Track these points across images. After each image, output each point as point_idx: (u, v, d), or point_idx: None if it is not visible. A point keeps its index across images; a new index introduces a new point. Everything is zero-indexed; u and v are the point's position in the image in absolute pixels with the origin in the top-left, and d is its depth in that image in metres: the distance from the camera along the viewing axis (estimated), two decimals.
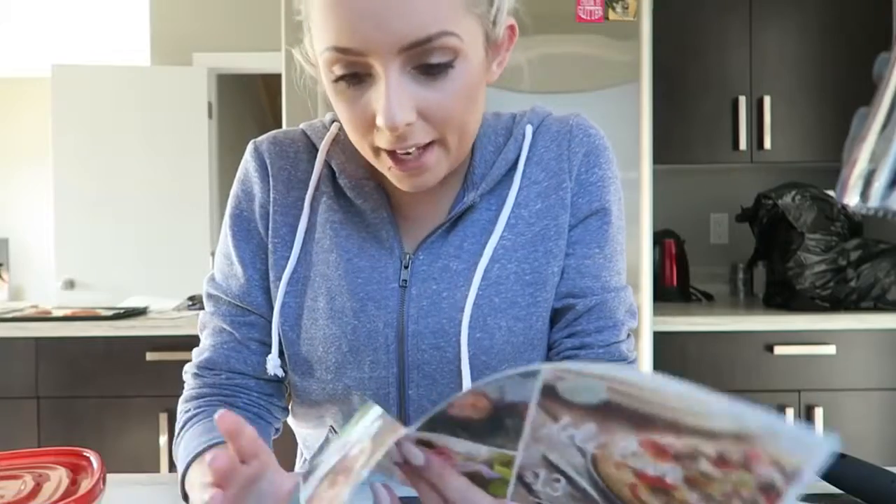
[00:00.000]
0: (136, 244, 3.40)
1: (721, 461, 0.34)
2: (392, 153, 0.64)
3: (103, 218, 3.41)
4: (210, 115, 3.49)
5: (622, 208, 0.79)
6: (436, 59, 0.60)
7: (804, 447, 0.31)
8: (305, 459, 0.89)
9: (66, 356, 2.17)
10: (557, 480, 0.42)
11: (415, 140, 0.62)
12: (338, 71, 0.61)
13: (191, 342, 0.81)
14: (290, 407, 0.83)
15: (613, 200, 0.76)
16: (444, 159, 0.66)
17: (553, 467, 0.42)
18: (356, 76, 0.61)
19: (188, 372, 0.79)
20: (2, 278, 5.96)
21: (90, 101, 3.41)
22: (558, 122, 0.77)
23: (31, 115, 5.80)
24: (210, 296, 0.79)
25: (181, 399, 0.78)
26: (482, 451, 0.44)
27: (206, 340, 0.79)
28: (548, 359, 0.77)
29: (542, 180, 0.75)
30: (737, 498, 0.35)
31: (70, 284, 3.39)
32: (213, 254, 3.52)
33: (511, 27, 0.71)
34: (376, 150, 0.65)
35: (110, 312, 2.30)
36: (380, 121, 0.60)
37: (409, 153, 0.64)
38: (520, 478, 0.44)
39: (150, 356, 2.15)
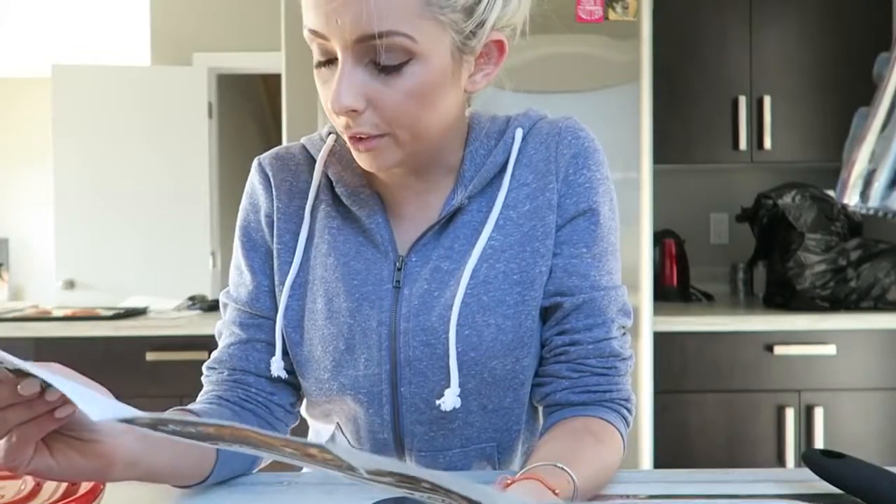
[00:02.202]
0: (136, 244, 3.40)
1: None
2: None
3: (103, 218, 3.41)
4: (210, 115, 3.49)
5: (614, 209, 0.80)
6: (387, 57, 0.64)
7: None
8: None
9: (66, 356, 2.16)
10: None
11: (362, 128, 0.67)
12: (314, 51, 0.68)
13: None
14: (304, 405, 0.86)
15: (603, 202, 0.78)
16: (395, 150, 0.70)
17: None
18: (329, 59, 0.67)
19: (202, 374, 0.83)
20: (2, 278, 5.97)
21: (90, 101, 3.41)
22: (549, 125, 0.79)
23: (31, 115, 5.80)
24: (224, 305, 0.84)
25: None
26: None
27: (219, 345, 0.83)
28: (541, 357, 0.79)
29: (531, 182, 0.77)
30: None
31: (70, 284, 3.39)
32: (212, 253, 3.52)
33: (498, 42, 0.72)
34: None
35: (110, 312, 2.30)
36: (329, 103, 0.66)
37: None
38: None
39: (150, 356, 2.15)
